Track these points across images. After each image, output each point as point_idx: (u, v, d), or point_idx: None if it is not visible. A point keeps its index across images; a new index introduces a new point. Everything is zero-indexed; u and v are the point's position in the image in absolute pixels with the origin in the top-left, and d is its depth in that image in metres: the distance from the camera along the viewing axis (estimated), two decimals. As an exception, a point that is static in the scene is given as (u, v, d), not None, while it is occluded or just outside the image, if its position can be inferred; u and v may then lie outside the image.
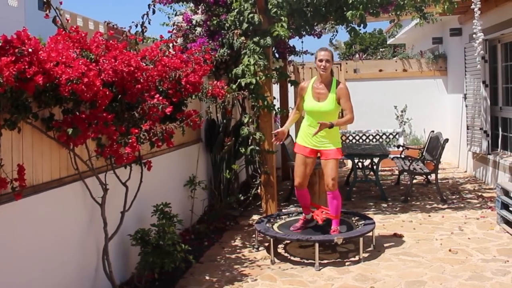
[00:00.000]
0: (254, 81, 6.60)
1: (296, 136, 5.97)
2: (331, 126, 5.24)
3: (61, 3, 3.98)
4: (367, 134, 10.98)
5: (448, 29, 10.88)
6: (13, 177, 3.10)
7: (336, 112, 5.56)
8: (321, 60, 5.44)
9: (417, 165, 8.62)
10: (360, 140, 10.94)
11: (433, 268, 4.98)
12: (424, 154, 9.20)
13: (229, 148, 6.98)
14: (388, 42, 19.15)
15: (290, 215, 6.19)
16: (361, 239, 5.27)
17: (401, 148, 9.92)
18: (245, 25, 6.62)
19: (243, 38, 6.75)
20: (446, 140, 7.97)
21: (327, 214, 5.70)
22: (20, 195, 3.14)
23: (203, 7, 7.07)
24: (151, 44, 4.60)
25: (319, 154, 5.58)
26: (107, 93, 3.53)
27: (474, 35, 7.13)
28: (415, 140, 11.88)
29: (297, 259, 5.38)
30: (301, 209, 6.16)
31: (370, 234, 5.57)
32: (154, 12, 4.94)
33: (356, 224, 5.74)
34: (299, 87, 5.78)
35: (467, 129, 9.68)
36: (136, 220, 4.78)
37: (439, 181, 8.22)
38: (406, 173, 8.58)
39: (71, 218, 3.89)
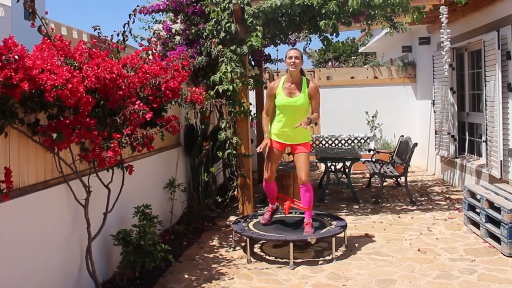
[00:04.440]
0: (231, 87, 6.77)
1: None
2: (309, 122, 5.42)
3: (46, 12, 4.04)
4: (340, 139, 11.21)
5: (417, 38, 11.13)
6: (-1, 179, 3.18)
7: (307, 109, 5.71)
8: (290, 57, 5.59)
9: (388, 168, 8.78)
10: (333, 144, 11.16)
11: (402, 267, 5.11)
12: (394, 157, 9.39)
13: (207, 152, 7.13)
14: (359, 51, 19.36)
15: (266, 216, 6.29)
16: (333, 239, 5.41)
17: (372, 152, 10.10)
18: (222, 34, 6.79)
19: (220, 46, 6.89)
20: (415, 144, 8.17)
21: (298, 206, 5.87)
22: (7, 197, 3.20)
23: (182, 16, 7.17)
24: (132, 52, 4.68)
25: (288, 150, 5.77)
26: (90, 99, 3.60)
27: (441, 44, 7.39)
28: (386, 144, 12.11)
29: (273, 258, 5.50)
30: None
31: (342, 234, 5.72)
32: (134, 21, 5.04)
33: (329, 224, 5.87)
34: (269, 87, 5.87)
35: (435, 133, 9.92)
36: (118, 221, 4.88)
37: (408, 183, 8.42)
38: (377, 176, 8.72)
39: (55, 219, 3.98)
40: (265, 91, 8.78)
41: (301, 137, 5.68)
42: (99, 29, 4.71)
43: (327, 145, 11.20)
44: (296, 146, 5.70)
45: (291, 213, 6.21)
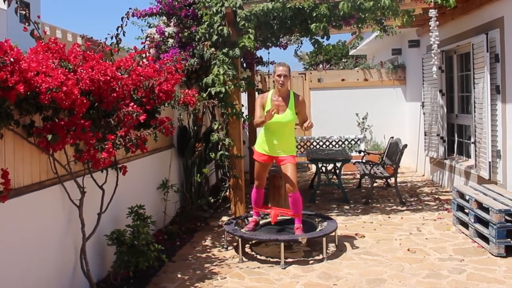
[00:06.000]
0: (223, 90, 6.83)
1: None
2: (311, 126, 5.62)
3: (39, 17, 4.07)
4: (330, 140, 11.27)
5: (407, 41, 11.23)
6: (-4, 180, 3.19)
7: (294, 122, 5.83)
8: (279, 76, 5.68)
9: (378, 169, 8.86)
10: (324, 146, 11.21)
11: (392, 266, 5.17)
12: (384, 159, 9.46)
13: (200, 153, 7.19)
14: (350, 53, 19.38)
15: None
16: (324, 239, 5.46)
17: (362, 153, 10.20)
18: (215, 37, 6.85)
19: (213, 49, 6.95)
20: (405, 146, 8.24)
21: (287, 214, 5.96)
22: (6, 198, 3.23)
23: (175, 20, 7.22)
24: (126, 55, 4.72)
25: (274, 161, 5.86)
26: (85, 101, 3.64)
27: (431, 47, 7.46)
28: (376, 145, 12.18)
29: (264, 258, 5.56)
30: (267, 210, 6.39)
31: (333, 234, 5.78)
32: (126, 24, 5.07)
33: (319, 225, 5.94)
34: (259, 98, 5.97)
35: (425, 135, 9.99)
36: (112, 221, 4.92)
37: (398, 184, 8.51)
38: (367, 177, 8.79)
39: (50, 219, 4.02)
40: (256, 93, 8.87)
41: (287, 150, 5.78)
42: (90, 37, 4.76)
43: (318, 146, 11.26)
44: (281, 158, 5.79)
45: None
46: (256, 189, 6.00)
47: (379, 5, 6.48)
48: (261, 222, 6.18)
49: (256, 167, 5.98)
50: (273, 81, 5.89)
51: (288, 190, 5.76)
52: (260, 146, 5.89)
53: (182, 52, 6.82)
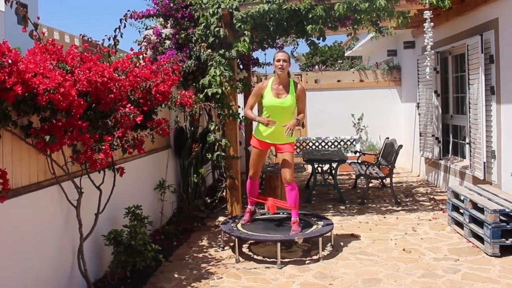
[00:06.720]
0: (220, 91, 6.86)
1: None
2: (298, 123, 5.54)
3: (38, 18, 4.09)
4: (326, 141, 11.29)
5: (402, 42, 11.27)
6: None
7: (293, 110, 5.79)
8: (278, 60, 5.68)
9: (373, 169, 8.89)
10: (320, 146, 11.24)
11: (388, 266, 5.19)
12: (379, 159, 9.51)
13: (197, 154, 7.21)
14: (345, 54, 19.45)
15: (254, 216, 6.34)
16: (320, 239, 5.48)
17: (358, 154, 10.23)
18: (211, 38, 6.89)
19: (209, 50, 6.98)
20: (400, 146, 8.27)
21: (284, 205, 5.97)
22: (4, 198, 3.23)
23: (171, 21, 7.26)
24: (123, 57, 4.74)
25: (272, 148, 5.85)
26: (82, 102, 3.66)
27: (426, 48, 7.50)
28: (371, 146, 12.25)
29: (261, 257, 5.57)
30: (263, 210, 6.42)
31: (329, 234, 5.80)
32: (125, 26, 5.10)
33: (315, 224, 5.95)
34: (257, 86, 5.95)
35: (420, 136, 10.04)
36: (109, 222, 4.94)
37: (393, 184, 8.52)
38: (362, 177, 8.83)
39: (48, 220, 4.03)
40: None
41: (286, 137, 5.71)
42: (89, 37, 4.78)
43: (314, 147, 11.29)
44: (280, 146, 5.79)
45: (278, 213, 6.30)
46: (251, 180, 6.01)
47: (374, 6, 6.53)
48: (259, 216, 6.21)
49: (252, 155, 5.95)
50: (274, 71, 5.86)
51: (284, 181, 5.75)
52: (259, 133, 5.84)
53: (179, 54, 6.83)
